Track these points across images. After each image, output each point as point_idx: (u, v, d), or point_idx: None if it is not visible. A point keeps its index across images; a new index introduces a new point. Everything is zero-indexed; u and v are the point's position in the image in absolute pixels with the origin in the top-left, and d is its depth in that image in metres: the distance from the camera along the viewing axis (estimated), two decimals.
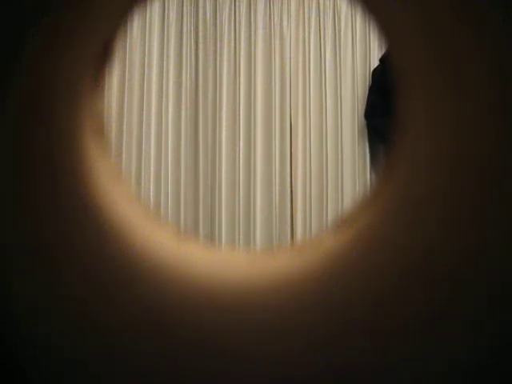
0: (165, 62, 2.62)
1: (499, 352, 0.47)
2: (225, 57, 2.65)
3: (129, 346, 0.57)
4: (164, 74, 2.62)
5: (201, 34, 2.64)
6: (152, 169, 2.57)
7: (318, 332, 0.59)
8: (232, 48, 2.66)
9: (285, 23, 2.67)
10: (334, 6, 2.70)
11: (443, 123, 0.56)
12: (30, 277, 0.52)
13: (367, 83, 2.68)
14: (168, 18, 2.62)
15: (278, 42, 2.66)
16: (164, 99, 2.60)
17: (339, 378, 0.54)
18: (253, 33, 2.64)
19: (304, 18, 2.66)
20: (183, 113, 2.61)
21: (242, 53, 2.64)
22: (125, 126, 2.57)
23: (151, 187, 2.56)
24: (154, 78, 2.62)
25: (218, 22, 2.64)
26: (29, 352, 0.50)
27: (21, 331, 0.50)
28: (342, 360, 0.55)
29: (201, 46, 2.64)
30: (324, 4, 2.69)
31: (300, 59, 2.67)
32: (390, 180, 0.72)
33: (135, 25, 2.59)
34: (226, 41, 2.65)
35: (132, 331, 0.58)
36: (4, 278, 0.49)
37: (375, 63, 2.68)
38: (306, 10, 2.68)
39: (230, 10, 2.66)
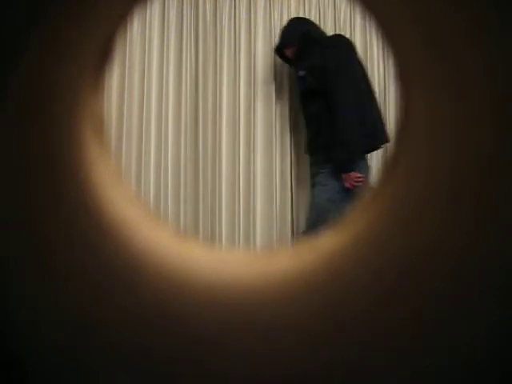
0: (165, 62, 2.62)
1: (499, 352, 0.47)
2: (225, 57, 2.65)
3: (128, 346, 0.57)
4: (164, 73, 2.62)
5: (201, 33, 2.64)
6: (152, 169, 2.57)
7: (318, 332, 0.59)
8: (232, 48, 2.66)
9: (285, 23, 2.67)
10: (334, 5, 2.70)
11: (443, 123, 0.56)
12: (29, 276, 0.52)
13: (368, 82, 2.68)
14: (168, 17, 2.62)
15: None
16: (164, 99, 2.60)
17: (339, 378, 0.54)
18: (253, 33, 2.64)
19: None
20: (183, 113, 2.61)
21: (242, 53, 2.64)
22: (125, 126, 2.57)
23: (151, 187, 2.56)
24: (154, 77, 2.62)
25: (217, 21, 2.64)
26: (28, 353, 0.50)
27: (20, 331, 0.50)
28: (343, 360, 0.55)
29: (201, 45, 2.64)
30: (324, 4, 2.69)
31: None
32: (389, 181, 0.72)
33: (135, 25, 2.59)
34: (226, 41, 2.65)
35: (132, 331, 0.58)
36: (4, 278, 0.49)
37: (375, 63, 2.68)
38: (306, 10, 2.68)
39: (230, 9, 2.66)
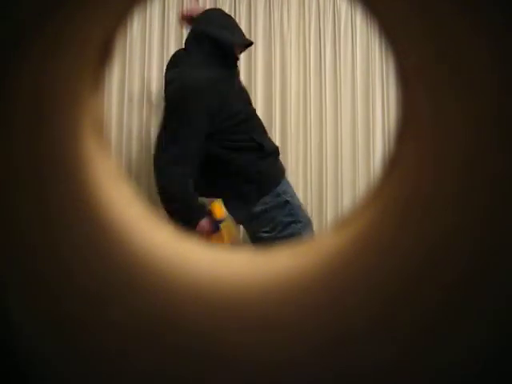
0: (165, 62, 2.62)
1: (499, 353, 0.47)
2: None
3: (128, 347, 0.57)
4: (164, 74, 2.61)
5: None
6: (152, 169, 2.56)
7: (319, 333, 0.59)
8: None
9: (285, 23, 2.66)
10: (334, 6, 2.69)
11: (448, 122, 0.56)
12: (28, 275, 0.52)
13: (368, 83, 2.68)
14: (168, 17, 2.61)
15: (278, 42, 2.66)
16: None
17: (340, 380, 0.54)
18: (253, 33, 2.64)
19: (304, 18, 2.66)
20: None
21: (242, 52, 2.64)
22: (125, 126, 2.57)
23: (151, 187, 2.56)
24: (154, 77, 2.62)
25: None
26: (26, 355, 0.50)
27: (18, 335, 0.50)
28: (343, 362, 0.55)
29: None
30: (324, 4, 2.69)
31: (300, 59, 2.67)
32: (391, 180, 0.72)
33: (135, 25, 2.59)
34: None
35: (131, 332, 0.58)
36: (2, 278, 0.49)
37: (375, 63, 2.68)
38: (306, 10, 2.67)
39: (230, 9, 2.65)
